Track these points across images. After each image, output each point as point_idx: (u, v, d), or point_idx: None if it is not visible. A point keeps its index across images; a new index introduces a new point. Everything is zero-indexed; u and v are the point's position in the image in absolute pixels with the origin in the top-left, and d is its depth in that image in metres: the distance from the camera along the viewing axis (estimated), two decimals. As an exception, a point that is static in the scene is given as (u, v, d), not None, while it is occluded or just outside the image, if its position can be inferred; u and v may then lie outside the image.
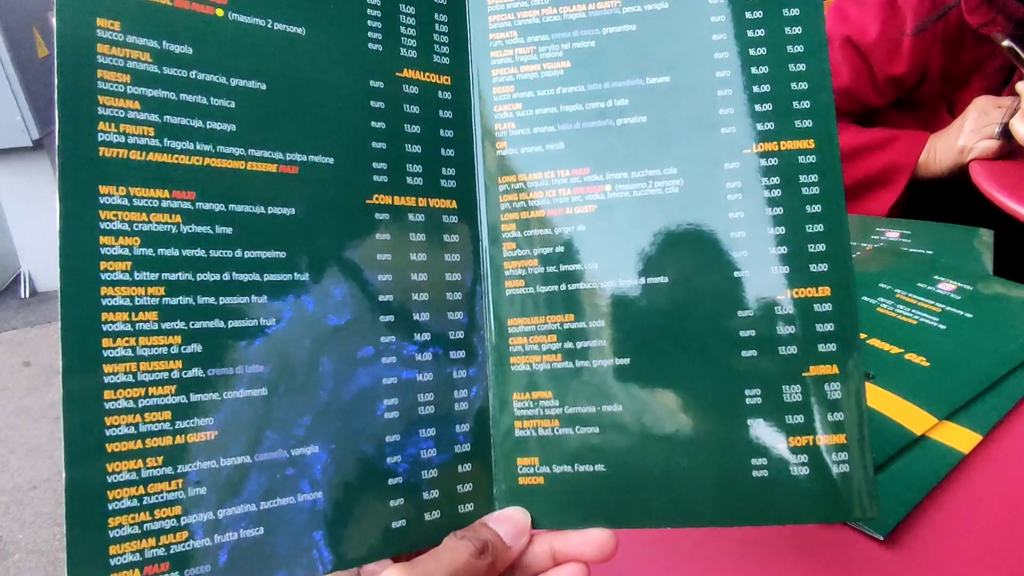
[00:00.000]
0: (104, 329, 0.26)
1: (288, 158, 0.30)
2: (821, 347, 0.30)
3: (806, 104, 0.32)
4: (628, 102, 0.33)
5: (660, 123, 0.33)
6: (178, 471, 0.26)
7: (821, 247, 0.31)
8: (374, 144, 0.32)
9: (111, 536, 0.25)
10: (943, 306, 0.56)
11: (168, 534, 0.26)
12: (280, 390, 0.29)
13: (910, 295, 0.58)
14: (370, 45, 0.33)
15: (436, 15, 0.35)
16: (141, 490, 0.26)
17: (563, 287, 0.32)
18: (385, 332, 0.31)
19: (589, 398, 0.32)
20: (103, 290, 0.26)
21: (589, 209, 0.33)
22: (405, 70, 0.34)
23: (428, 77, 0.34)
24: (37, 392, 2.08)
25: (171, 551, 0.26)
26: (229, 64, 0.30)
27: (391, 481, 0.30)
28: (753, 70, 0.33)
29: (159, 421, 0.26)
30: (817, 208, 0.31)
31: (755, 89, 0.32)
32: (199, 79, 0.29)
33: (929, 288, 0.59)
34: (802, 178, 0.32)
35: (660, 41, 0.33)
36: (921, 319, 0.55)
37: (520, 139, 0.34)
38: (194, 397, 0.27)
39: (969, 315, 0.55)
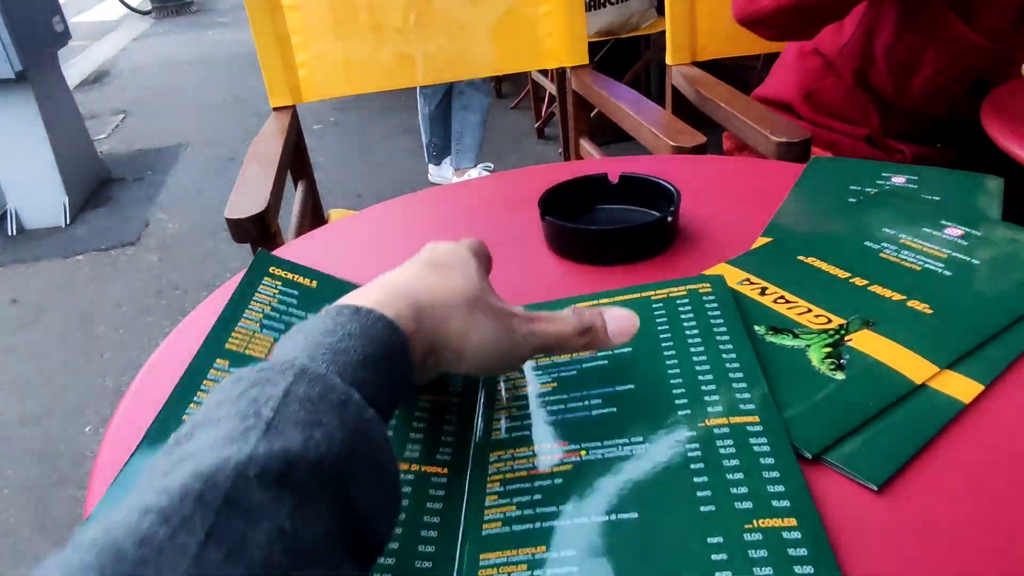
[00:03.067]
0: None
1: None
2: (797, 568, 0.32)
3: (747, 395, 0.41)
4: (601, 401, 0.43)
5: (626, 413, 0.42)
6: None
7: (780, 488, 0.35)
8: None
9: None
10: (949, 252, 0.54)
11: None
12: None
13: (915, 240, 0.56)
14: None
15: None
16: None
17: (537, 525, 0.36)
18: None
19: None
20: None
21: (566, 468, 0.39)
22: (425, 393, 0.45)
23: (442, 398, 0.45)
24: (25, 329, 2.06)
25: None
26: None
27: None
28: (700, 377, 0.43)
29: None
30: (770, 460, 0.36)
31: (703, 387, 0.42)
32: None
33: (935, 233, 0.56)
34: (751, 440, 0.38)
35: (626, 369, 0.45)
36: (926, 265, 0.53)
37: (512, 428, 0.42)
38: None
39: (976, 261, 0.52)
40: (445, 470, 0.40)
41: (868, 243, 0.56)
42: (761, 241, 0.60)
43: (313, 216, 1.28)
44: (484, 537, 0.36)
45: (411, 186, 2.75)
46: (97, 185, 2.94)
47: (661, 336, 0.47)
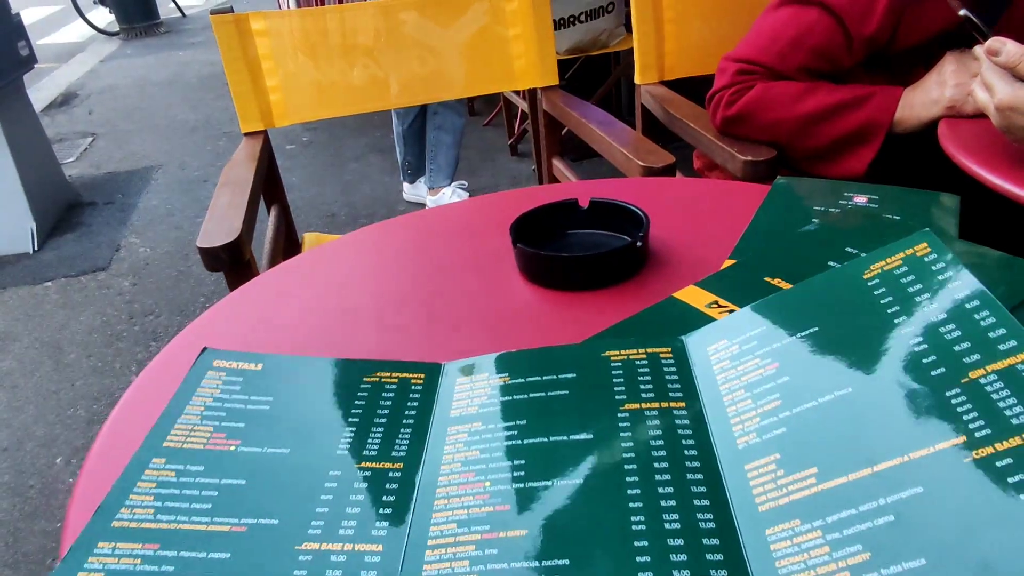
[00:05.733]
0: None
1: (242, 522, 0.41)
2: None
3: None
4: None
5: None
6: None
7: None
8: (319, 509, 0.42)
9: None
10: (909, 271, 0.55)
11: None
12: None
13: (876, 260, 0.57)
14: (338, 451, 0.46)
15: (402, 430, 0.48)
16: None
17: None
18: None
19: None
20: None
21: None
22: (363, 463, 0.45)
23: (383, 465, 0.45)
24: (-7, 360, 2.02)
25: None
26: (229, 473, 0.44)
27: None
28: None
29: None
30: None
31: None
32: (200, 482, 0.43)
33: (895, 253, 0.58)
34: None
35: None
36: (886, 285, 0.54)
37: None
38: None
39: (934, 281, 0.54)
40: (379, 547, 0.39)
41: (832, 263, 0.58)
42: (730, 263, 0.61)
43: (287, 240, 1.27)
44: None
45: (385, 205, 2.75)
46: (66, 210, 2.89)
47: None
